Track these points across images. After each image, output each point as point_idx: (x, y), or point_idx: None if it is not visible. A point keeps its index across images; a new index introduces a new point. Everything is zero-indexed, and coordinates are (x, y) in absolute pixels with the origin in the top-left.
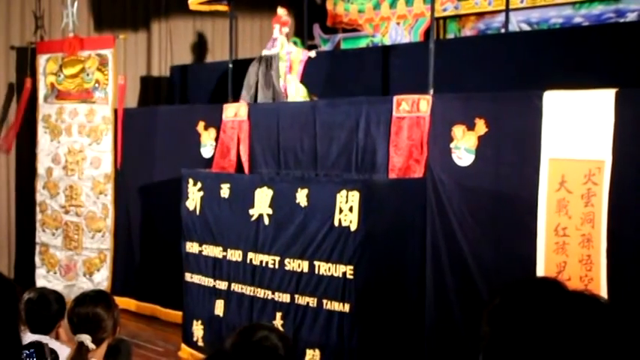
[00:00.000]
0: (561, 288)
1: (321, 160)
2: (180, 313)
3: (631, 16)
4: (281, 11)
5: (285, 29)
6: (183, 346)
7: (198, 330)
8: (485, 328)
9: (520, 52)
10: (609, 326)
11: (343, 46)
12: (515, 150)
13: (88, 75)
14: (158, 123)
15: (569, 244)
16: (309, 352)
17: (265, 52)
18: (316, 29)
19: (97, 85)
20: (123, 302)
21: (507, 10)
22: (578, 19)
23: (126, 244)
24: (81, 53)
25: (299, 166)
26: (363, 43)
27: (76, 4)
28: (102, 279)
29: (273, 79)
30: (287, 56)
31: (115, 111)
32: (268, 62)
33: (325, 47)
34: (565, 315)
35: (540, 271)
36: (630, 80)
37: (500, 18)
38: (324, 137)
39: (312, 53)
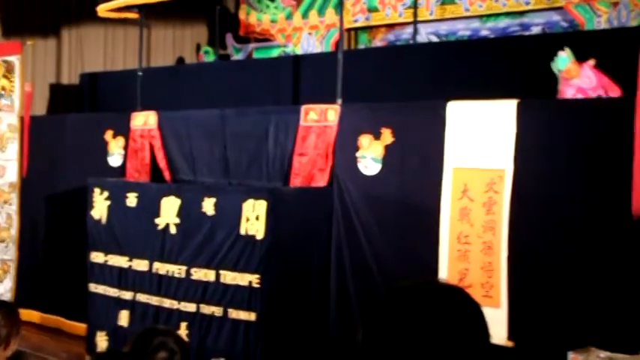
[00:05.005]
0: (435, 290)
1: (232, 169)
2: (84, 326)
3: (535, 30)
4: None
5: None
6: (87, 358)
7: (102, 341)
8: (359, 334)
9: (428, 63)
10: (472, 324)
11: (255, 55)
12: (420, 159)
13: None
14: (66, 131)
15: (470, 251)
16: None
17: None
18: (229, 38)
19: (2, 92)
20: (27, 314)
21: (415, 22)
22: (484, 32)
23: (31, 255)
24: None
25: (212, 174)
26: (275, 53)
27: None
28: (4, 290)
29: None
30: None
31: (22, 119)
32: None
33: (238, 57)
34: (432, 319)
35: (443, 278)
36: (533, 91)
37: (410, 30)
38: (233, 146)
39: None
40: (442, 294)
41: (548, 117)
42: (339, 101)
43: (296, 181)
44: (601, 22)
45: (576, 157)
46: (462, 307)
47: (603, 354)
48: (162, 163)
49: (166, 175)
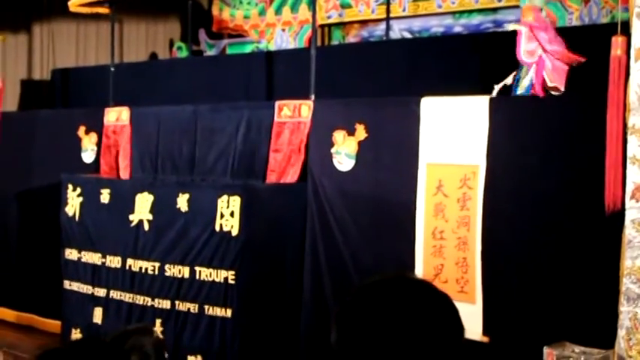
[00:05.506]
0: (405, 285)
1: (198, 165)
2: (59, 323)
3: (508, 27)
4: None
5: None
6: None
7: (76, 338)
8: (333, 335)
9: (401, 59)
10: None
11: (229, 51)
12: (395, 155)
13: None
14: (37, 127)
15: (445, 247)
16: (190, 359)
17: None
18: (202, 34)
19: None
20: (1, 313)
21: (388, 19)
22: (458, 29)
23: (4, 253)
24: None
25: (176, 171)
26: (248, 49)
27: None
28: None
29: None
30: None
31: None
32: None
33: (211, 52)
34: (404, 315)
35: (418, 274)
36: (505, 87)
37: (383, 26)
38: (203, 142)
39: None
40: (412, 289)
41: (519, 113)
42: (313, 97)
43: (272, 178)
44: (572, 19)
45: (548, 153)
46: (433, 300)
47: (578, 348)
48: (123, 161)
49: (122, 173)
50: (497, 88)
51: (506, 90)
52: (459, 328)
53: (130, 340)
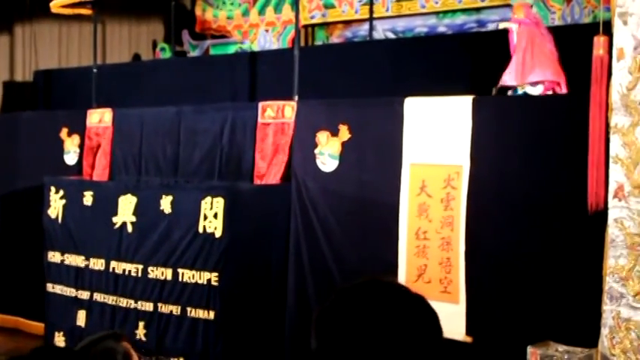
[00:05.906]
0: (375, 290)
1: (182, 166)
2: (43, 325)
3: (491, 26)
4: None
5: None
6: None
7: (60, 342)
8: (313, 342)
9: (385, 60)
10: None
11: (212, 52)
12: (378, 155)
13: None
14: (20, 129)
15: (429, 247)
16: None
17: None
18: (185, 35)
19: None
20: None
21: (371, 19)
22: (442, 29)
23: None
24: None
25: (160, 173)
26: (232, 50)
27: None
28: None
29: None
30: None
31: None
32: None
33: (194, 53)
34: (381, 320)
35: (402, 274)
36: (490, 87)
37: (367, 26)
38: (187, 144)
39: None
40: (385, 293)
41: (502, 113)
42: (296, 98)
43: (257, 179)
44: (555, 19)
45: (531, 152)
46: (408, 303)
47: (561, 348)
48: (102, 161)
49: (97, 174)
50: (495, 88)
51: (503, 89)
52: (437, 329)
53: (96, 347)
